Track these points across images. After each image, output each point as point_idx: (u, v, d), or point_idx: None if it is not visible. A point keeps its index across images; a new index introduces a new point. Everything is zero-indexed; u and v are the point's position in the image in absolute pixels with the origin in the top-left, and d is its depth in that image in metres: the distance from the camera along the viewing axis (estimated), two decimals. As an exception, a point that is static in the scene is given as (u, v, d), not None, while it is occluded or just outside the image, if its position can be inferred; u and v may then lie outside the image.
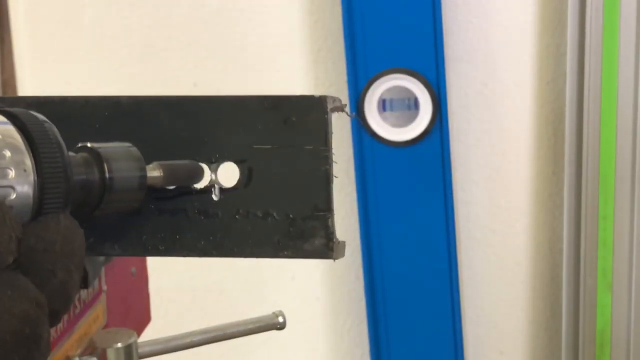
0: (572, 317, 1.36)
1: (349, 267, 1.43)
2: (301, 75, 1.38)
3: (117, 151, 0.40)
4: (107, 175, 0.38)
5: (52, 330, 0.52)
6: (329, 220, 0.43)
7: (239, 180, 0.44)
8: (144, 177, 0.41)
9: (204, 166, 0.44)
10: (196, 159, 0.44)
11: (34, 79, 1.39)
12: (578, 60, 1.29)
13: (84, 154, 0.39)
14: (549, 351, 1.46)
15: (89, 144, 0.39)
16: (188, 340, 0.63)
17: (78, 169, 0.37)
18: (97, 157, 0.39)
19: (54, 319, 0.33)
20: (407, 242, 1.34)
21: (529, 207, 1.41)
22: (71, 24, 1.38)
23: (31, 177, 0.33)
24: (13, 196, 0.33)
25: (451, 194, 1.32)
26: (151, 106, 0.44)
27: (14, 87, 1.38)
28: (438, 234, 1.34)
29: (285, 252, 0.44)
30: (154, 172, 0.42)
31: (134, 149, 0.41)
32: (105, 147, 0.40)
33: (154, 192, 0.44)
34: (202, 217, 0.44)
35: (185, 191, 0.44)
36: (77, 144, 0.40)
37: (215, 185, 0.44)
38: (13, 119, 0.34)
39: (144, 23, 1.37)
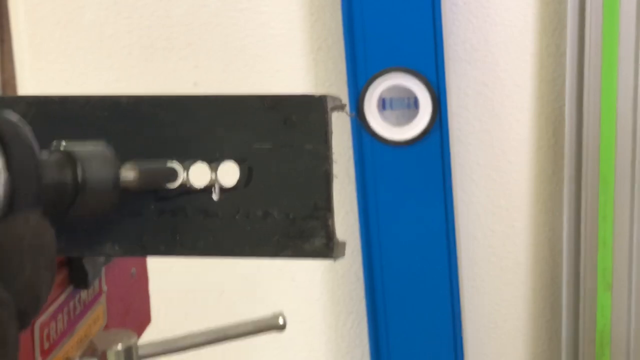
0: (572, 317, 1.36)
1: (349, 267, 1.43)
2: (301, 75, 1.38)
3: (91, 152, 0.40)
4: (79, 176, 0.38)
5: (52, 332, 0.52)
6: (329, 220, 0.43)
7: (239, 180, 0.44)
8: (117, 178, 0.41)
9: (178, 167, 0.44)
10: (196, 158, 0.44)
11: (34, 79, 1.39)
12: (578, 60, 1.29)
13: (57, 155, 0.39)
14: (549, 351, 1.46)
15: (63, 143, 0.39)
16: (188, 341, 0.63)
17: (50, 170, 0.37)
18: (70, 159, 0.39)
19: (23, 319, 0.32)
20: (407, 242, 1.34)
21: (529, 207, 1.41)
22: (71, 24, 1.38)
23: (1, 176, 0.33)
24: None
25: (451, 194, 1.32)
26: (151, 106, 0.44)
27: (14, 87, 1.38)
28: (438, 234, 1.34)
29: (285, 252, 0.44)
30: (128, 172, 0.42)
31: (108, 150, 0.41)
32: (79, 147, 0.39)
33: (154, 193, 0.44)
34: (202, 217, 0.44)
35: (186, 191, 0.44)
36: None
37: (215, 185, 0.44)
38: None
39: (144, 23, 1.37)
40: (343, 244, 0.44)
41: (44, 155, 0.37)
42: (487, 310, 1.45)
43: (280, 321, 0.66)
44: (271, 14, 1.36)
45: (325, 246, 0.43)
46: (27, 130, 0.35)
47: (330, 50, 1.37)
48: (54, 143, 0.40)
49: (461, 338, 1.38)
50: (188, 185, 0.44)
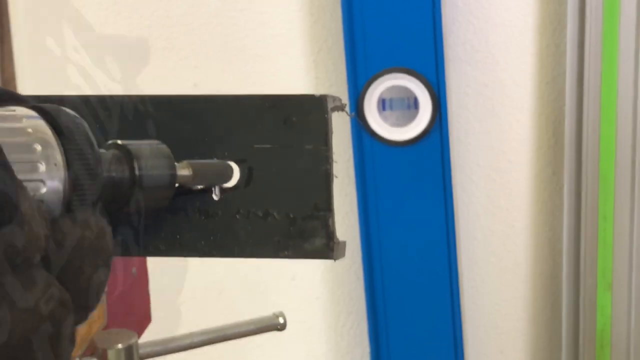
0: (572, 317, 1.36)
1: (349, 267, 1.43)
2: (301, 75, 1.38)
3: (148, 149, 0.40)
4: (137, 172, 0.38)
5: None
6: (329, 220, 0.43)
7: (239, 180, 0.44)
8: (173, 175, 0.41)
9: (234, 165, 0.44)
10: (196, 158, 0.44)
11: (34, 79, 1.39)
12: (578, 60, 1.29)
13: (114, 151, 0.39)
14: (549, 351, 1.46)
15: (119, 141, 0.39)
16: (188, 341, 0.63)
17: (108, 166, 0.37)
18: (127, 154, 0.39)
19: (82, 314, 0.33)
20: (407, 242, 1.34)
21: (529, 207, 1.41)
22: (71, 24, 1.38)
23: (62, 171, 0.33)
24: (43, 190, 0.32)
25: (451, 194, 1.32)
26: (151, 106, 0.44)
27: (14, 87, 1.38)
28: (438, 234, 1.34)
29: (286, 252, 0.43)
30: (183, 170, 0.42)
31: (164, 147, 0.41)
32: (135, 144, 0.39)
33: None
34: (203, 217, 0.44)
35: (186, 191, 0.44)
36: None
37: (216, 185, 0.44)
38: (44, 114, 0.34)
39: (144, 23, 1.37)
40: (343, 244, 0.44)
41: (101, 150, 0.37)
42: (487, 310, 1.45)
43: (281, 321, 0.66)
44: (271, 14, 1.36)
45: (325, 246, 0.43)
46: (85, 125, 0.35)
47: (330, 51, 1.37)
48: (109, 141, 0.40)
49: (461, 338, 1.38)
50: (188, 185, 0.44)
